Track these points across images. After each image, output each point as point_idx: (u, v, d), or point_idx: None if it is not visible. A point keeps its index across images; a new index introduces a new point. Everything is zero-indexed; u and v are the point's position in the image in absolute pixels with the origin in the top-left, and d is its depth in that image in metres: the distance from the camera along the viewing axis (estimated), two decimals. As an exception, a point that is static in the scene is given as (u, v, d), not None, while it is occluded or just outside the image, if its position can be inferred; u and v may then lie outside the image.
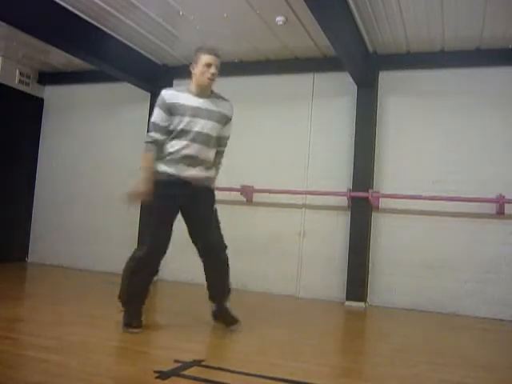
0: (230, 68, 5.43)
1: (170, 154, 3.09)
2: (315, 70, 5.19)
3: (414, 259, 4.66)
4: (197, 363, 2.43)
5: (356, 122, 4.89)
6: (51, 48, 5.04)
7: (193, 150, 3.09)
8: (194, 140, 3.08)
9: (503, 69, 4.59)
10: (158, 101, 3.11)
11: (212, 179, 3.29)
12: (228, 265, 3.29)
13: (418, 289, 4.61)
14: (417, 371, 2.63)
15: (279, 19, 4.23)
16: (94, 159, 6.10)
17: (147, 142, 3.11)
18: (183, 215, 3.25)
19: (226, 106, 3.24)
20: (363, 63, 4.49)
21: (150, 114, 5.60)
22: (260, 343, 3.07)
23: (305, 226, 5.10)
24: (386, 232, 4.82)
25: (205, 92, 3.15)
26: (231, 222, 5.17)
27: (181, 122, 3.06)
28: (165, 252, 3.15)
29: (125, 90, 5.82)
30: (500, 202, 4.40)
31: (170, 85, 5.75)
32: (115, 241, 5.83)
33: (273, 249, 5.14)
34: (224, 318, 3.28)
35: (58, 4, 4.18)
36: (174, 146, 3.09)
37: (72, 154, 6.25)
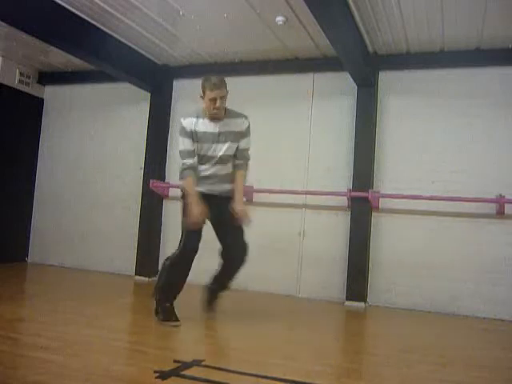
0: (230, 68, 5.45)
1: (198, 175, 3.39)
2: (315, 70, 5.19)
3: (413, 259, 4.66)
4: (197, 363, 2.43)
5: (356, 121, 4.89)
6: (51, 48, 5.03)
7: (215, 170, 3.42)
8: (215, 163, 3.41)
9: (503, 69, 4.59)
10: (180, 130, 3.38)
11: (232, 190, 3.51)
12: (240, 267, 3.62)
13: (418, 289, 4.61)
14: (417, 371, 2.63)
15: (279, 19, 4.22)
16: (94, 159, 6.10)
17: (184, 169, 3.34)
18: (211, 222, 3.55)
19: (238, 123, 3.49)
20: (363, 63, 4.49)
21: (150, 114, 5.73)
22: (260, 343, 3.07)
23: (305, 226, 5.10)
24: (386, 232, 4.82)
25: (217, 117, 3.39)
26: (231, 221, 5.18)
27: (203, 149, 3.36)
28: (196, 251, 3.42)
29: (125, 90, 5.82)
30: (500, 201, 4.39)
31: (170, 85, 5.76)
32: (115, 241, 5.84)
33: (273, 249, 5.14)
34: (210, 301, 3.74)
35: (58, 4, 4.17)
36: (200, 169, 3.40)
37: (72, 154, 6.25)
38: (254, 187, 5.19)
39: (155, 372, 2.24)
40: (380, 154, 4.89)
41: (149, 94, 5.72)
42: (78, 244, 6.03)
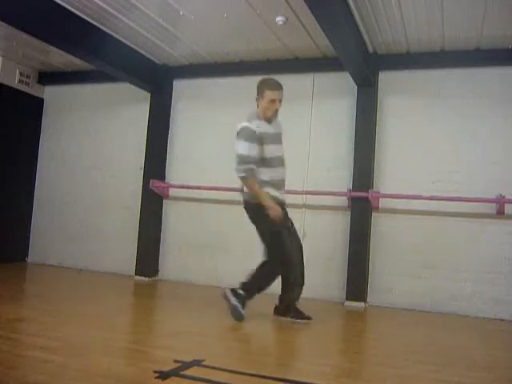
0: (230, 68, 5.45)
1: (268, 180, 3.39)
2: (315, 70, 5.19)
3: (414, 259, 4.66)
4: (197, 363, 2.43)
5: (356, 121, 4.89)
6: (51, 48, 5.03)
7: (282, 173, 3.50)
8: (281, 165, 3.51)
9: (503, 69, 4.59)
10: (246, 133, 3.32)
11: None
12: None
13: (417, 289, 4.61)
14: (417, 371, 2.63)
15: (279, 19, 4.23)
16: (94, 159, 6.10)
17: (248, 170, 3.33)
18: None
19: (279, 124, 3.60)
20: (363, 63, 4.49)
21: (150, 114, 5.72)
22: (260, 343, 3.07)
23: (305, 226, 5.10)
24: (385, 232, 4.81)
25: (271, 118, 3.46)
26: (231, 222, 5.17)
27: (268, 150, 3.38)
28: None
29: (125, 90, 5.81)
30: (500, 202, 4.39)
31: (170, 85, 5.76)
32: (115, 241, 5.84)
33: (273, 249, 5.12)
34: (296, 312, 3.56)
35: (58, 4, 4.17)
36: (268, 172, 3.41)
37: (72, 154, 6.25)
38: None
39: (155, 372, 2.24)
40: (380, 154, 4.89)
41: (149, 94, 5.72)
42: (77, 244, 6.03)
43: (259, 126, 3.35)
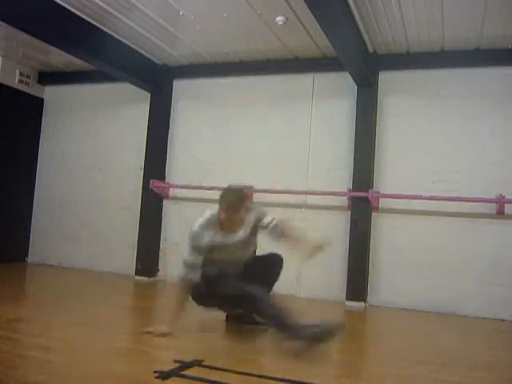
0: (230, 68, 5.45)
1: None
2: (315, 70, 5.19)
3: (413, 259, 4.66)
4: (197, 363, 2.43)
5: (356, 121, 4.89)
6: (51, 48, 5.04)
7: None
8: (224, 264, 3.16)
9: (503, 69, 4.59)
10: (192, 242, 3.08)
11: None
12: None
13: (418, 289, 4.61)
14: (417, 371, 2.63)
15: (279, 19, 4.23)
16: (94, 159, 6.10)
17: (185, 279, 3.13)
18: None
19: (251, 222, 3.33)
20: (363, 63, 4.49)
21: (150, 114, 5.73)
22: (260, 343, 3.07)
23: (305, 225, 5.09)
24: (386, 232, 4.81)
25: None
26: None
27: (216, 255, 3.13)
28: None
29: (125, 90, 5.81)
30: (500, 202, 4.39)
31: (170, 85, 5.76)
32: (115, 241, 5.84)
33: (273, 249, 5.12)
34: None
35: (58, 4, 4.17)
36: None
37: (72, 154, 6.25)
38: (254, 187, 5.19)
39: (155, 372, 2.24)
40: (380, 154, 4.89)
41: (149, 94, 5.72)
42: (77, 244, 6.03)
43: (210, 238, 3.03)
